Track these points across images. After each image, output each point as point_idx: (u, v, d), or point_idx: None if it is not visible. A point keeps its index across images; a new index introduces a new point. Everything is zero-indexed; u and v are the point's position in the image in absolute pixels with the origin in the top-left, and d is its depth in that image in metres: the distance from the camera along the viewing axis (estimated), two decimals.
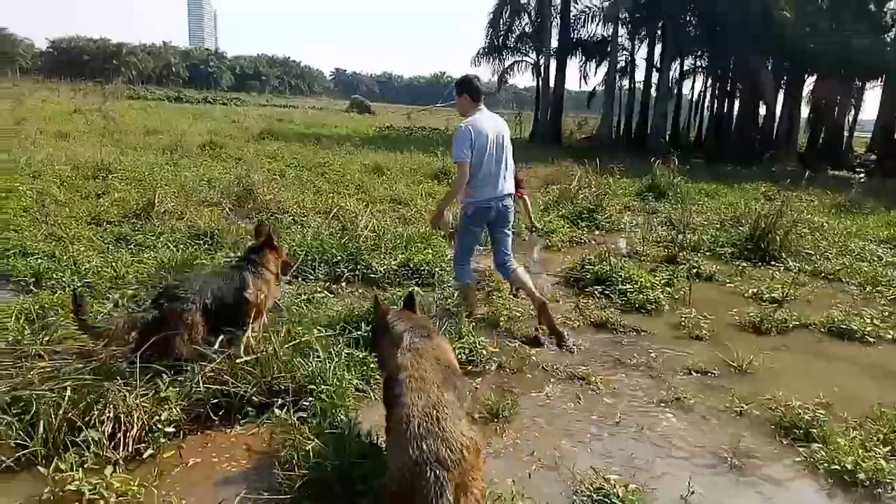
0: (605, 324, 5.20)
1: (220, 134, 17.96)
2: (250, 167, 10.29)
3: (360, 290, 5.57)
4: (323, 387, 3.27)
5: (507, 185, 4.92)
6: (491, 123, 4.78)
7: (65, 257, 5.54)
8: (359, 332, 4.09)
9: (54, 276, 5.08)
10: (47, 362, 3.20)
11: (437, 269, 6.14)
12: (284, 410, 3.14)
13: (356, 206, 8.30)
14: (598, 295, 5.90)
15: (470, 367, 4.12)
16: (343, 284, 5.74)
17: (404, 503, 2.07)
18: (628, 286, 5.93)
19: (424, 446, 2.10)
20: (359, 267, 6.01)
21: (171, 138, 15.32)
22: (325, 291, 5.35)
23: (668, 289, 6.11)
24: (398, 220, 8.30)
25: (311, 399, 3.24)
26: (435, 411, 2.24)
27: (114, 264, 5.40)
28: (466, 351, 4.20)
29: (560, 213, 9.90)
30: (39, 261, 5.41)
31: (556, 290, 6.15)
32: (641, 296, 5.74)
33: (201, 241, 6.37)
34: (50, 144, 13.04)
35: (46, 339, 3.49)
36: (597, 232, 9.12)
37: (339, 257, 6.12)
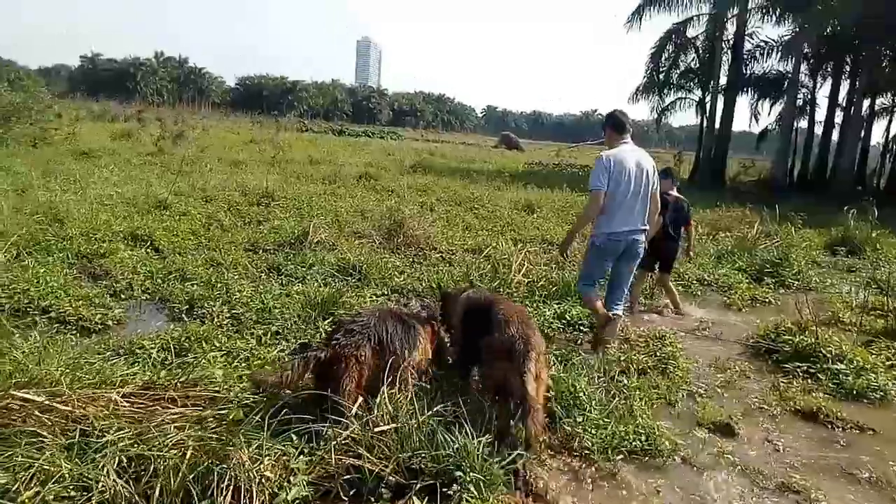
0: (816, 414, 4.12)
1: (376, 166, 18.46)
2: (401, 200, 10.19)
3: None
4: (471, 475, 2.69)
5: (641, 221, 4.85)
6: (634, 157, 4.75)
7: (218, 285, 5.53)
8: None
9: (206, 304, 5.04)
10: (178, 409, 2.92)
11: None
12: (425, 501, 2.59)
13: (508, 246, 7.76)
14: (800, 374, 4.82)
15: (646, 459, 3.36)
16: None
17: (504, 357, 3.19)
18: (840, 365, 4.79)
19: (521, 329, 3.28)
20: None
21: (331, 169, 15.92)
22: None
23: (895, 372, 4.86)
24: (551, 262, 7.66)
25: (455, 488, 2.66)
26: (526, 318, 3.50)
27: (263, 296, 5.29)
28: (642, 437, 3.44)
29: (736, 265, 8.68)
30: (195, 287, 5.44)
31: (741, 362, 5.11)
32: (860, 380, 4.58)
33: (350, 276, 6.16)
34: (225, 171, 14.03)
35: (182, 378, 3.25)
36: (782, 291, 7.82)
37: None
